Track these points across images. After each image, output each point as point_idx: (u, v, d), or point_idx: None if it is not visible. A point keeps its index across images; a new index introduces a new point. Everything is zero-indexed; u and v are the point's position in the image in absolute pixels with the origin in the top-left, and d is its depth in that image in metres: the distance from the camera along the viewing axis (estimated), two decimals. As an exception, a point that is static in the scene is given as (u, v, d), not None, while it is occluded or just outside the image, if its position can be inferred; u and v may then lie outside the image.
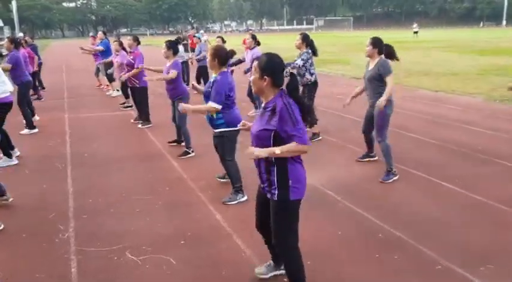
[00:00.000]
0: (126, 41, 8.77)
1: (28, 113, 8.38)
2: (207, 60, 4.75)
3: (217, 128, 4.72)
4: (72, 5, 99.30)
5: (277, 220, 2.90)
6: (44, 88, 14.06)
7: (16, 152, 6.59)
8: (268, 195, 2.90)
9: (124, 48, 10.41)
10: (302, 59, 6.95)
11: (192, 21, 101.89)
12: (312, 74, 7.09)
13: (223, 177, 5.33)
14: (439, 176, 5.46)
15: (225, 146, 4.78)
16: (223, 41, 11.17)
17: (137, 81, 8.40)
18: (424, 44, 32.92)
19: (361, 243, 3.88)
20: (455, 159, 6.21)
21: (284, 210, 2.87)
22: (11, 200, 4.81)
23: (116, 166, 6.16)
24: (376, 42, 5.38)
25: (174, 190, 5.21)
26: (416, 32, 44.04)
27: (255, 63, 2.81)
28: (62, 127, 8.64)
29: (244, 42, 16.93)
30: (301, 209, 2.91)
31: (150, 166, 6.15)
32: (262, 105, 2.87)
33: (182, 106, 4.71)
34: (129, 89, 9.30)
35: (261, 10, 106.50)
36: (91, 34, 16.78)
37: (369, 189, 5.15)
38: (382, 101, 5.18)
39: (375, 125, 5.47)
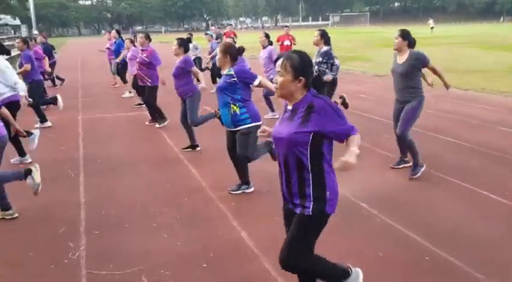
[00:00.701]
0: (138, 38, 8.44)
1: (40, 108, 8.32)
2: (217, 57, 4.56)
3: (242, 124, 4.50)
4: (88, 3, 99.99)
5: (302, 236, 2.47)
6: (55, 86, 13.85)
7: (27, 159, 6.29)
8: (297, 210, 2.49)
9: (135, 46, 10.18)
10: (322, 56, 6.55)
11: (207, 18, 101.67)
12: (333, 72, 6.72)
13: (238, 189, 4.93)
14: (482, 186, 4.95)
15: (249, 142, 4.53)
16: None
17: (149, 80, 8.07)
18: (444, 39, 32.05)
19: (407, 267, 3.42)
20: (496, 165, 5.70)
21: (316, 226, 2.48)
22: (16, 215, 4.46)
23: (130, 172, 5.79)
24: (406, 35, 5.08)
25: (193, 201, 4.80)
26: (432, 28, 43.02)
27: (283, 63, 2.42)
28: (75, 129, 8.32)
29: (226, 35, 16.48)
30: (335, 223, 2.56)
31: (167, 172, 5.76)
32: (288, 107, 2.52)
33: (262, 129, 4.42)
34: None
35: (276, 6, 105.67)
36: (106, 30, 16.71)
37: (406, 201, 4.67)
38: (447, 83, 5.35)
39: (401, 118, 5.14)
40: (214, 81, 12.23)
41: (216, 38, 13.30)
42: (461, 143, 6.72)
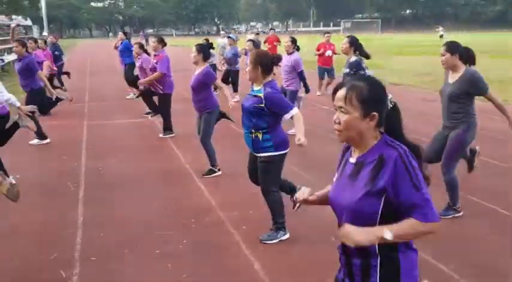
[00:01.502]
0: (151, 42, 7.92)
1: (37, 121, 7.68)
2: (247, 69, 3.88)
3: (263, 152, 3.83)
4: (100, 4, 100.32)
5: None
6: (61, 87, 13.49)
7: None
8: None
9: (146, 51, 9.66)
10: (350, 67, 6.08)
11: (218, 22, 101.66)
12: None
13: (273, 238, 3.96)
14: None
15: (271, 173, 3.88)
16: (256, 46, 10.29)
17: (161, 87, 7.60)
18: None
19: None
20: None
21: None
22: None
23: (134, 187, 5.36)
24: (454, 48, 4.16)
25: (202, 223, 4.35)
26: (441, 36, 41.40)
27: (348, 95, 1.75)
28: (79, 136, 7.91)
29: (268, 42, 15.54)
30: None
31: (174, 189, 5.32)
32: (351, 159, 1.86)
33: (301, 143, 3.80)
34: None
35: (287, 11, 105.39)
36: (110, 33, 16.22)
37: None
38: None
39: (445, 151, 4.31)
40: (235, 90, 11.64)
41: (255, 46, 11.06)
42: (495, 162, 6.19)
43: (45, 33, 35.61)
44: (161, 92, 7.62)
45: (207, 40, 14.35)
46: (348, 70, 6.10)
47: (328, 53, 11.59)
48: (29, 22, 52.20)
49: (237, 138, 7.27)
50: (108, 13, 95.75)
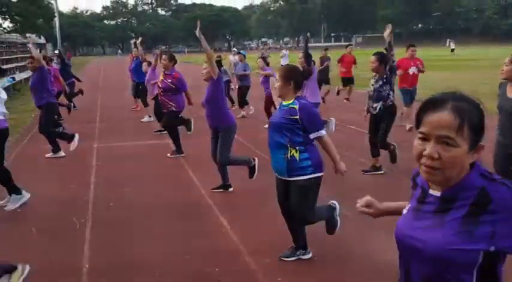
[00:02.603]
0: (162, 60, 7.36)
1: (54, 136, 7.37)
2: (277, 85, 3.46)
3: (300, 174, 3.34)
4: (113, 22, 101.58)
5: None
6: (73, 107, 13.01)
7: (25, 196, 5.30)
8: None
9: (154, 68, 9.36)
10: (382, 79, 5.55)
11: (230, 38, 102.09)
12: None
13: (292, 255, 3.77)
14: None
15: (308, 199, 3.40)
16: (266, 62, 10.05)
17: (174, 105, 7.10)
18: (469, 62, 30.43)
19: None
20: None
21: None
22: None
23: (148, 226, 4.69)
24: None
25: (228, 273, 3.67)
26: (453, 50, 40.74)
27: (455, 120, 1.28)
28: (88, 161, 7.32)
29: (343, 62, 13.29)
30: None
31: (193, 226, 4.65)
32: (431, 191, 1.39)
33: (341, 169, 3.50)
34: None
35: (299, 27, 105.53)
36: (119, 51, 15.63)
37: None
38: None
39: None
40: (241, 105, 11.29)
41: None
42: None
43: (56, 51, 35.50)
44: (174, 109, 7.15)
45: (220, 57, 13.99)
46: (380, 82, 5.62)
47: (413, 70, 9.27)
48: (42, 40, 52.79)
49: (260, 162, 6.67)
50: (121, 30, 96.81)
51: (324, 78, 12.40)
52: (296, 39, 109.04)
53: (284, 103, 3.45)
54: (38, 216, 5.01)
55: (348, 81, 13.29)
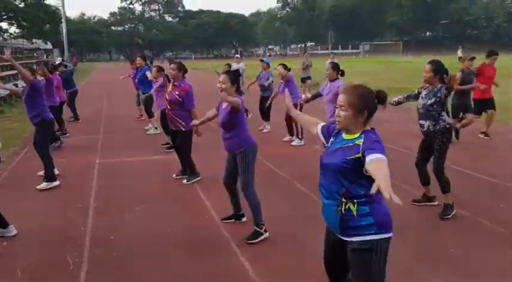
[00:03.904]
0: (169, 70, 6.36)
1: (49, 161, 6.40)
2: (342, 114, 2.52)
3: (358, 234, 2.46)
4: (120, 28, 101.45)
5: None
6: (78, 119, 12.35)
7: (11, 231, 4.59)
8: None
9: (167, 76, 8.46)
10: (435, 95, 4.76)
11: (236, 45, 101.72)
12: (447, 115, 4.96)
13: None
14: None
15: (372, 269, 2.46)
16: (287, 69, 9.01)
17: (182, 123, 6.19)
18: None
19: None
20: None
21: None
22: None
23: (154, 267, 3.95)
24: None
25: None
26: (460, 58, 39.78)
27: None
28: (88, 181, 6.59)
29: (485, 74, 8.61)
30: None
31: (208, 267, 3.91)
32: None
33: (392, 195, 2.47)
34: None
35: (306, 34, 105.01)
36: (121, 57, 14.54)
37: None
38: None
39: None
40: (265, 118, 10.39)
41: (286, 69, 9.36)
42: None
43: (59, 58, 35.04)
44: (183, 128, 6.21)
45: (229, 65, 13.25)
46: (433, 99, 4.79)
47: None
48: (49, 46, 52.54)
49: (284, 186, 5.91)
50: (128, 37, 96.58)
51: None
52: (303, 46, 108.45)
53: (345, 137, 2.56)
54: (24, 253, 4.28)
55: (482, 106, 8.77)
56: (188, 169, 6.44)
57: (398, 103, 5.24)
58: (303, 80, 16.88)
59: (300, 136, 8.87)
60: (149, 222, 5.00)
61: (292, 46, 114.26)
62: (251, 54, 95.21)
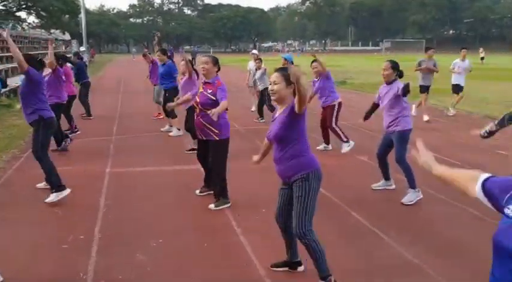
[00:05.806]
0: (200, 64, 5.23)
1: (50, 166, 5.32)
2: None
3: None
4: (139, 21, 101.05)
5: None
6: (90, 116, 11.31)
7: None
8: None
9: (196, 71, 7.35)
10: None
11: (255, 39, 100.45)
12: None
13: None
14: None
15: None
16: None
17: (217, 131, 4.98)
18: (501, 72, 27.61)
19: None
20: None
21: None
22: None
23: None
24: None
25: None
26: (482, 58, 38.69)
27: None
28: (95, 197, 5.48)
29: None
30: None
31: None
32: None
33: None
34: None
35: (326, 30, 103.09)
36: (133, 49, 13.03)
37: None
38: None
39: None
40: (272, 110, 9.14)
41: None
42: None
43: (82, 48, 34.22)
44: (217, 137, 5.04)
45: (260, 60, 11.82)
46: None
47: None
48: (67, 37, 51.95)
49: (340, 218, 4.67)
50: (146, 29, 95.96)
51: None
52: (323, 42, 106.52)
53: None
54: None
55: None
56: (219, 190, 5.23)
57: (491, 133, 4.10)
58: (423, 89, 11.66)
59: (345, 139, 7.57)
60: (166, 251, 3.90)
61: (311, 42, 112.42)
62: (269, 49, 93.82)
